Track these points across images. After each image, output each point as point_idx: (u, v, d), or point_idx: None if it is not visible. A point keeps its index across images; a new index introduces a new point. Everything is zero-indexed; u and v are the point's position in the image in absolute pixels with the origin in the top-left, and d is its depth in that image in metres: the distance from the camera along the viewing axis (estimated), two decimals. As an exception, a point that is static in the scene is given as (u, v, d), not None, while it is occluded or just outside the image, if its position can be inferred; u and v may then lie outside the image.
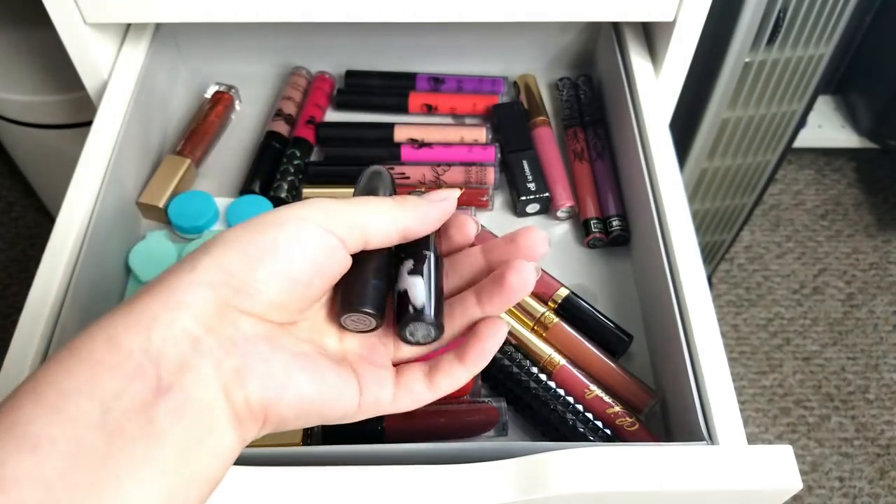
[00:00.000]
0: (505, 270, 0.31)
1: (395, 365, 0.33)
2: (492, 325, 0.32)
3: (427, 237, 0.33)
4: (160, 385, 0.24)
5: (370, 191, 0.34)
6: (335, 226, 0.28)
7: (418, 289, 0.31)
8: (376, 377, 0.31)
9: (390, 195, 0.34)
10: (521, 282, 0.31)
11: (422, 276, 0.31)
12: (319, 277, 0.28)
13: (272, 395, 0.26)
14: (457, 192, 0.33)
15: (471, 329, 0.32)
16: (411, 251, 0.32)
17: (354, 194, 0.34)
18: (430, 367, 0.32)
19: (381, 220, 0.30)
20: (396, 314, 0.31)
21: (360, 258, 0.31)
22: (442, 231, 0.35)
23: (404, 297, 0.31)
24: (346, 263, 0.29)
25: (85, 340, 0.25)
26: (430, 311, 0.31)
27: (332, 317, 0.31)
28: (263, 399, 0.26)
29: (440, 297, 0.32)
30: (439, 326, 0.31)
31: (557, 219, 0.57)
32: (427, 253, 0.32)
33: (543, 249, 0.33)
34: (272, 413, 0.27)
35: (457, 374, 0.32)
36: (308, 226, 0.28)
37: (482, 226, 0.55)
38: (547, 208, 0.57)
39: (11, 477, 0.21)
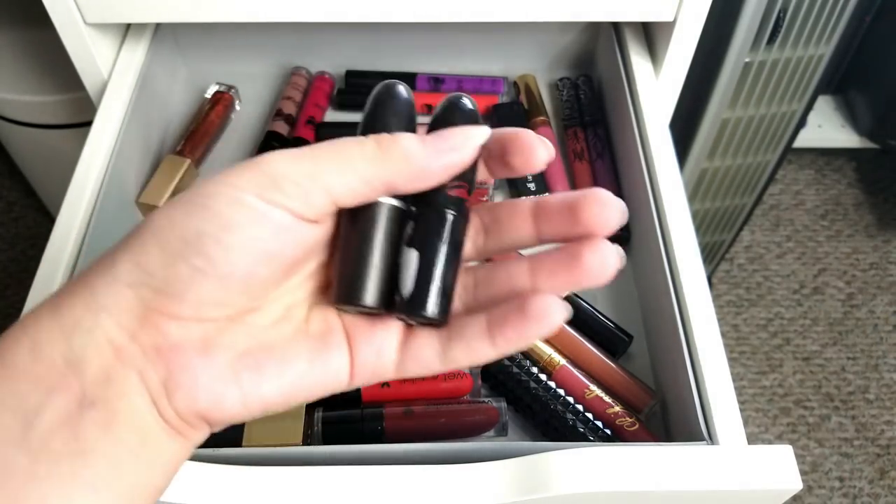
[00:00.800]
0: (581, 247, 0.24)
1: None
2: (546, 303, 0.24)
3: (442, 185, 0.25)
4: (84, 398, 0.22)
5: (374, 124, 0.25)
6: (283, 194, 0.23)
7: (410, 269, 0.25)
8: (373, 342, 0.26)
9: (403, 127, 0.26)
10: (601, 263, 0.24)
11: (418, 249, 0.25)
12: (265, 264, 0.23)
13: (205, 406, 0.24)
14: (483, 134, 0.25)
15: (515, 300, 0.25)
16: (421, 204, 0.25)
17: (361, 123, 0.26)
18: (448, 334, 0.26)
19: (349, 179, 0.23)
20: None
21: (362, 216, 0.25)
22: (495, 157, 0.26)
23: (396, 274, 0.25)
24: (308, 236, 0.24)
25: (9, 344, 0.23)
26: (425, 301, 0.24)
27: (320, 291, 0.26)
28: (196, 411, 0.24)
29: (446, 279, 0.25)
30: (435, 318, 0.25)
31: (557, 219, 0.57)
32: (437, 214, 0.25)
33: (615, 224, 0.25)
34: (216, 418, 0.24)
35: (480, 351, 0.25)
36: (244, 200, 0.22)
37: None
38: (547, 208, 0.57)
39: None
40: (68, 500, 0.22)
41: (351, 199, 0.24)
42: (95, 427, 0.22)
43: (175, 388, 0.23)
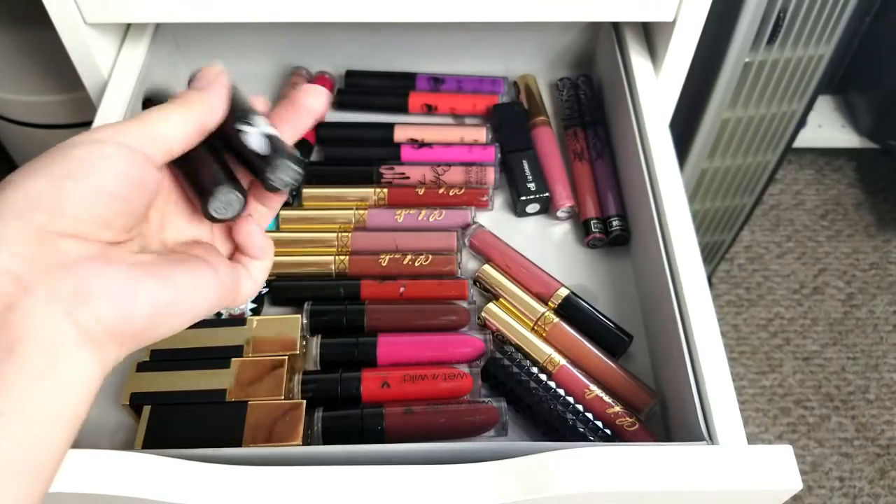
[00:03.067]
0: (296, 95, 0.34)
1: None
2: (307, 88, 0.34)
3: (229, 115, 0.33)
4: None
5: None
6: (133, 142, 0.28)
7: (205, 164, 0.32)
8: (223, 259, 0.32)
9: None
10: (315, 98, 0.34)
11: (209, 149, 0.32)
12: (136, 191, 0.28)
13: (123, 309, 0.26)
14: (218, 68, 0.34)
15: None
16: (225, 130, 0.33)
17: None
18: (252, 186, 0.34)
19: (172, 125, 0.30)
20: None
21: (196, 155, 0.32)
22: (289, 101, 0.35)
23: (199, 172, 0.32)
24: (158, 176, 0.29)
25: None
26: (222, 184, 0.31)
27: (165, 222, 0.32)
28: (115, 315, 0.25)
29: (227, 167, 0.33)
30: (239, 192, 0.31)
31: (557, 219, 0.57)
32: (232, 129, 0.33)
33: (321, 107, 0.34)
34: (128, 328, 0.26)
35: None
36: (108, 145, 0.27)
37: (481, 225, 0.55)
38: (547, 208, 0.57)
39: None
40: None
41: (180, 143, 0.30)
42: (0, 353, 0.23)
43: (92, 293, 0.25)
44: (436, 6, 0.51)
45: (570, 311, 0.50)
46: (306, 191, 0.56)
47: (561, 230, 0.57)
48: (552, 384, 0.46)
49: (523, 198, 0.56)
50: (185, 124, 0.30)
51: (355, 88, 0.65)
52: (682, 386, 0.42)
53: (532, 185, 0.56)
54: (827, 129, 1.31)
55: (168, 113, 0.30)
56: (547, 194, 0.56)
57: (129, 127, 0.28)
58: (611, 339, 0.49)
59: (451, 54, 0.66)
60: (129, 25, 0.59)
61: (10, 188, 0.25)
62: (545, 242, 0.56)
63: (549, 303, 0.50)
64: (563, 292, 0.50)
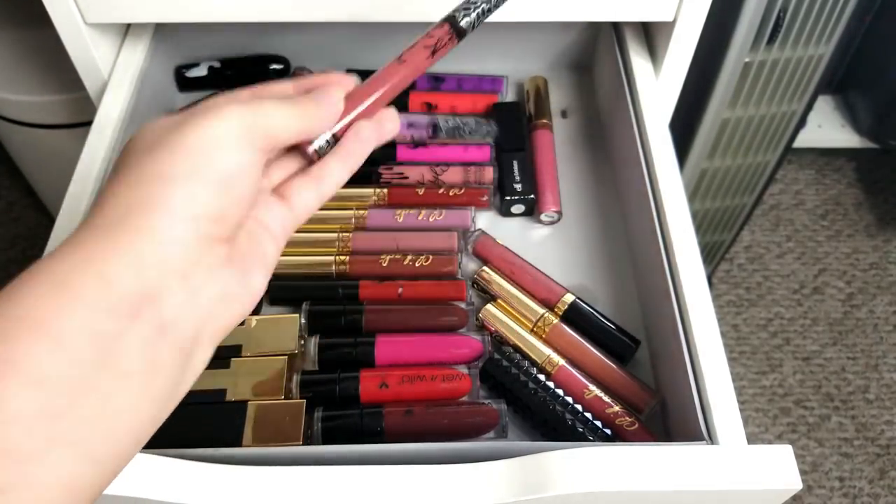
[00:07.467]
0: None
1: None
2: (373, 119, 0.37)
3: None
4: (163, 324, 0.26)
5: None
6: (255, 140, 0.29)
7: None
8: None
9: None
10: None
11: None
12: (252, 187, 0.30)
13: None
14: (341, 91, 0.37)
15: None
16: None
17: None
18: (307, 172, 0.34)
19: (288, 126, 0.31)
20: None
21: None
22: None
23: None
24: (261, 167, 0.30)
25: (74, 276, 0.25)
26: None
27: None
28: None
29: None
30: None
31: (541, 222, 0.57)
32: None
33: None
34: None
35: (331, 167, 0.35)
36: (242, 146, 0.29)
37: (484, 231, 0.55)
38: (532, 210, 0.57)
39: (17, 411, 0.23)
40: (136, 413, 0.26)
41: (283, 142, 0.32)
42: (171, 350, 0.26)
43: (229, 300, 0.29)
44: (436, 6, 0.51)
45: (577, 316, 0.50)
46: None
47: (544, 233, 0.57)
48: (551, 384, 0.46)
49: (507, 198, 0.56)
50: (293, 129, 0.32)
51: (355, 88, 0.65)
52: (682, 386, 0.42)
53: (518, 186, 0.56)
54: (827, 129, 1.31)
55: (285, 111, 0.31)
56: (532, 196, 0.56)
57: (253, 124, 0.30)
58: (617, 345, 0.49)
59: (452, 54, 0.65)
60: (129, 25, 0.59)
61: (179, 189, 0.27)
62: (545, 242, 0.56)
63: (556, 308, 0.50)
64: (569, 298, 0.50)
